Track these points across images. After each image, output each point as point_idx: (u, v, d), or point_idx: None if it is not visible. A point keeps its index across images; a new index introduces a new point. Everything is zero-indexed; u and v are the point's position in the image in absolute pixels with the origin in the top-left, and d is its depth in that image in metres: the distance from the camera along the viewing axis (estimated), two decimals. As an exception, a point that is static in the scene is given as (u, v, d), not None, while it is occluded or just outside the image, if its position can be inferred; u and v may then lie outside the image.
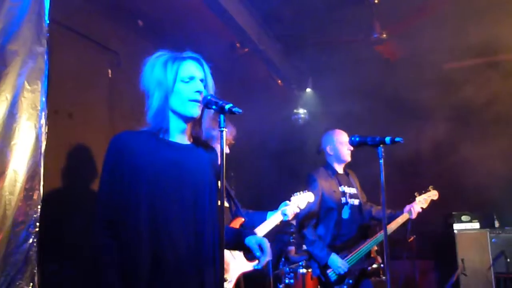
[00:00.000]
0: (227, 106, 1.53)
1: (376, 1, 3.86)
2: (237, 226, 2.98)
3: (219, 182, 1.81)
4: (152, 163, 1.64)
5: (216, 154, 1.91)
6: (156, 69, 1.74)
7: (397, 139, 2.06)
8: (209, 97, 1.63)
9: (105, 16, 3.52)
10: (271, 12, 4.32)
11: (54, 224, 2.75)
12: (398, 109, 5.13)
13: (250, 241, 1.77)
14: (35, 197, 1.71)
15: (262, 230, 2.99)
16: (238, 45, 4.22)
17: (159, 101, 1.70)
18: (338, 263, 3.23)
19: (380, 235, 3.37)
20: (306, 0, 4.15)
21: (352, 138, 2.26)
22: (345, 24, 4.26)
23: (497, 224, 5.28)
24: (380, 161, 2.04)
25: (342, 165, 3.60)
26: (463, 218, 5.33)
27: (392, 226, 3.43)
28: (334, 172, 3.56)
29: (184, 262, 1.60)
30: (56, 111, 2.92)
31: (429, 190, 3.68)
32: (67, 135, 3.02)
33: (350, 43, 4.52)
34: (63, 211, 2.89)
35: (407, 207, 3.47)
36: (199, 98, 1.69)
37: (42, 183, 1.78)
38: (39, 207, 1.72)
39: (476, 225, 5.28)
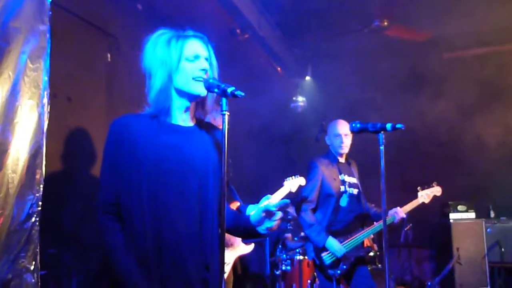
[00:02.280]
0: (229, 90, 1.51)
1: (378, -11, 3.81)
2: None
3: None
4: (153, 148, 1.61)
5: (220, 133, 1.88)
6: (158, 47, 1.69)
7: (398, 125, 2.06)
8: (211, 80, 1.61)
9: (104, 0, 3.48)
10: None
11: (52, 207, 2.75)
12: (398, 96, 5.12)
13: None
14: (37, 176, 1.71)
15: None
16: (238, 31, 4.19)
17: (163, 79, 1.66)
18: (335, 246, 3.27)
19: (377, 225, 3.40)
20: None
21: (353, 124, 2.25)
22: (346, 11, 4.22)
23: (492, 214, 5.33)
24: (381, 147, 2.04)
25: (342, 155, 3.60)
26: (459, 207, 5.37)
27: (376, 226, 3.43)
28: (336, 160, 3.57)
29: (187, 247, 1.59)
30: (55, 94, 2.90)
31: (433, 186, 3.66)
32: (66, 119, 3.01)
33: (351, 31, 4.48)
34: (61, 194, 2.89)
35: (392, 211, 3.45)
36: (205, 76, 1.66)
37: (44, 162, 1.77)
38: (41, 186, 1.71)
39: (472, 215, 5.33)
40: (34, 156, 1.70)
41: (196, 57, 1.70)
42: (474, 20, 4.46)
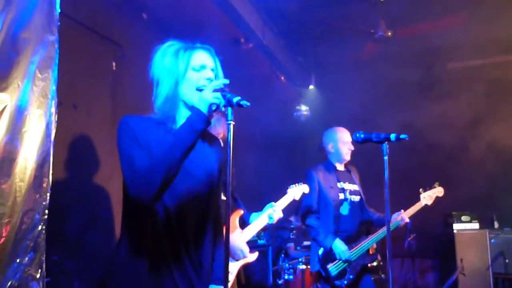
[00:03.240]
0: (235, 99, 1.52)
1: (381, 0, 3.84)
2: (237, 219, 2.98)
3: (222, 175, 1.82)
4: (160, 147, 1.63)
5: (221, 145, 1.91)
6: (167, 57, 1.73)
7: (402, 136, 2.06)
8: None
9: (109, 8, 3.51)
10: (275, 8, 4.31)
11: (56, 214, 2.75)
12: (402, 106, 5.13)
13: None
14: (44, 184, 1.70)
15: (246, 235, 2.93)
16: (242, 40, 4.21)
17: (169, 87, 1.69)
18: (342, 247, 3.26)
19: (381, 232, 3.38)
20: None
21: (357, 135, 2.25)
22: (350, 21, 4.24)
23: (496, 225, 5.29)
24: (385, 158, 2.04)
25: (343, 163, 3.60)
26: (463, 218, 5.34)
27: (380, 232, 3.41)
28: (333, 168, 3.57)
29: (184, 256, 1.62)
30: (61, 102, 2.90)
31: (435, 187, 3.62)
32: (71, 126, 3.02)
33: (355, 40, 4.50)
34: (64, 202, 2.89)
35: (395, 215, 3.43)
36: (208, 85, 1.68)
37: (51, 171, 1.77)
38: (48, 194, 1.71)
39: (475, 225, 5.29)
40: (41, 165, 1.70)
41: (202, 67, 1.73)
42: (476, 31, 4.49)
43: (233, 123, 1.52)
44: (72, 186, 2.98)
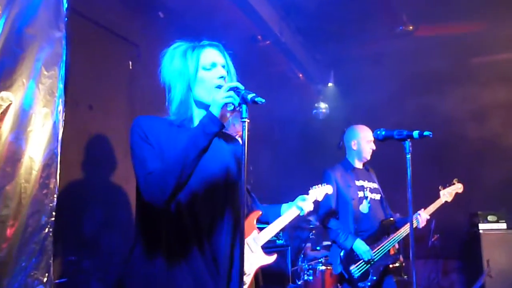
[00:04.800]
0: (249, 96, 1.46)
1: (402, -7, 3.72)
2: (254, 220, 2.92)
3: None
4: (172, 150, 1.59)
5: (239, 145, 1.86)
6: (175, 60, 1.69)
7: (425, 133, 1.96)
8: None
9: (125, 7, 3.50)
10: (292, 4, 4.23)
11: (72, 214, 2.76)
12: (422, 103, 4.98)
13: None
14: (51, 186, 1.67)
15: (277, 225, 2.87)
16: (259, 37, 4.15)
17: (182, 91, 1.65)
18: (363, 248, 3.18)
19: (403, 231, 3.31)
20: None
21: (378, 132, 2.15)
22: (369, 16, 4.13)
23: (525, 226, 5.10)
24: (408, 156, 1.95)
25: (362, 161, 3.55)
26: (490, 218, 5.15)
27: (402, 232, 3.32)
28: (351, 167, 3.52)
29: (199, 261, 1.58)
30: (77, 102, 2.92)
31: (454, 184, 3.57)
32: (87, 127, 3.02)
33: (375, 35, 4.38)
34: (81, 201, 2.90)
35: (415, 215, 3.34)
36: (223, 84, 1.64)
37: (59, 172, 1.74)
38: (55, 196, 1.68)
39: (503, 225, 5.10)
40: (48, 165, 1.66)
41: (213, 65, 1.69)
42: (503, 25, 4.32)
43: (248, 120, 1.47)
44: (90, 186, 2.98)
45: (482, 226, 5.09)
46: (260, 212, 2.98)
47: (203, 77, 1.67)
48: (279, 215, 2.92)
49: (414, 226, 3.32)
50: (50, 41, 1.71)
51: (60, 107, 1.78)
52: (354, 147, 3.52)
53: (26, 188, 1.52)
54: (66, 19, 1.80)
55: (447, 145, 5.27)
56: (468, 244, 5.30)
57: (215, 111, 1.52)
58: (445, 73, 5.07)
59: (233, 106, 1.51)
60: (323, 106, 5.94)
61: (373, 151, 3.51)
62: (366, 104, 5.33)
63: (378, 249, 3.23)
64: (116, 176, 3.17)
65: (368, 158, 3.51)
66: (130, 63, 3.48)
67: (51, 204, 1.65)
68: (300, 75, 5.48)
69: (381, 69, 5.09)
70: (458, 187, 3.55)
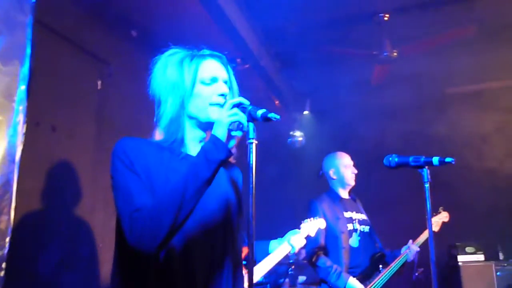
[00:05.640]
0: (259, 112, 1.22)
1: (386, 19, 3.66)
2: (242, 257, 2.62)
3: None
4: (166, 180, 1.31)
5: (239, 172, 1.60)
6: (169, 69, 1.43)
7: (447, 159, 1.78)
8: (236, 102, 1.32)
9: (96, 23, 3.22)
10: (273, 28, 4.09)
11: (27, 251, 2.38)
12: (402, 131, 4.91)
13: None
14: (2, 226, 1.27)
15: (266, 265, 2.56)
16: (239, 60, 3.97)
17: (174, 107, 1.39)
18: (358, 286, 2.94)
19: (394, 265, 3.14)
20: (311, 16, 3.93)
21: (390, 158, 1.94)
22: (351, 43, 4.05)
23: (501, 256, 5.04)
24: (426, 185, 1.75)
25: (347, 190, 3.39)
26: (467, 249, 5.07)
27: (393, 266, 3.15)
28: (338, 197, 3.34)
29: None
30: (38, 122, 2.57)
31: (440, 212, 3.48)
32: (49, 151, 2.66)
33: (355, 63, 4.30)
34: (39, 236, 2.52)
35: (404, 249, 3.22)
36: (223, 102, 1.38)
37: (13, 205, 1.32)
38: (7, 240, 1.26)
39: (481, 257, 5.01)
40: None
41: (214, 79, 1.44)
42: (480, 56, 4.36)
43: (256, 142, 1.22)
44: (48, 220, 2.59)
45: (460, 258, 4.98)
46: (247, 250, 2.69)
47: (200, 92, 1.41)
48: (267, 253, 2.63)
49: (404, 261, 3.20)
50: (10, 26, 1.30)
51: (20, 117, 1.37)
52: (334, 176, 3.36)
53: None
54: (34, 0, 1.43)
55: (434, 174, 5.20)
56: (449, 276, 5.18)
57: (220, 133, 1.26)
58: (424, 100, 5.07)
59: (240, 126, 1.26)
60: (298, 134, 5.78)
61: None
62: (344, 132, 5.23)
63: (372, 286, 3.00)
64: (80, 208, 2.80)
65: (352, 183, 3.35)
66: (100, 82, 3.18)
67: (1, 252, 1.24)
68: (276, 102, 5.31)
69: (360, 97, 5.02)
70: (444, 216, 3.46)
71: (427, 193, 1.72)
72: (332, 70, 4.77)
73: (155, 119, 1.45)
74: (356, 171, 3.35)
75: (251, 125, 1.23)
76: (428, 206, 1.73)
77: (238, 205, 1.48)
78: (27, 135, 2.49)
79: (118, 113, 3.19)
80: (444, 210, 3.52)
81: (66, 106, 2.83)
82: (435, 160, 1.79)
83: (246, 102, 1.29)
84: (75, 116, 2.92)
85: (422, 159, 1.79)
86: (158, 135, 1.42)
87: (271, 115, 1.21)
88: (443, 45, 3.76)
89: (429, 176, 1.78)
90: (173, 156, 1.37)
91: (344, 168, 3.32)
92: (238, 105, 1.29)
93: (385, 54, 3.62)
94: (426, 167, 1.79)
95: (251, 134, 1.22)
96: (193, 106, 1.41)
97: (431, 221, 1.75)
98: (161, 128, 1.40)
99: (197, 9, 3.38)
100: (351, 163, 3.36)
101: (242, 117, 1.25)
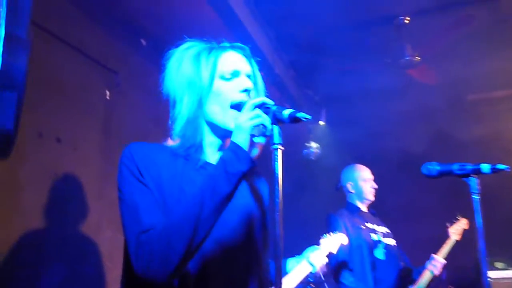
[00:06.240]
0: (286, 113, 1.04)
1: (406, 21, 3.48)
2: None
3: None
4: (179, 190, 1.12)
5: (265, 183, 1.41)
6: (185, 64, 1.26)
7: (499, 166, 1.55)
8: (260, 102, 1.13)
9: (104, 31, 3.09)
10: (288, 35, 3.94)
11: (31, 271, 2.21)
12: (425, 140, 4.68)
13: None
14: None
15: (284, 286, 2.36)
16: (252, 68, 3.80)
17: (191, 107, 1.21)
18: None
19: (424, 280, 2.97)
20: (325, 22, 3.77)
21: (430, 167, 1.71)
22: (369, 48, 3.87)
23: (534, 272, 4.75)
24: (475, 197, 1.54)
25: (365, 204, 3.25)
26: (497, 264, 4.81)
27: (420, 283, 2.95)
28: (357, 209, 3.21)
29: None
30: (41, 133, 2.42)
31: (458, 220, 3.36)
32: (53, 163, 2.50)
33: (372, 70, 4.11)
34: (41, 255, 2.35)
35: (428, 264, 3.07)
36: (246, 100, 1.19)
37: None
38: None
39: (511, 273, 4.74)
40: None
41: (235, 73, 1.25)
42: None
43: (282, 148, 1.03)
44: (51, 238, 2.42)
45: (491, 274, 4.71)
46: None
47: (220, 89, 1.22)
48: (285, 273, 2.41)
49: (430, 278, 3.01)
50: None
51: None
52: (352, 190, 3.24)
53: None
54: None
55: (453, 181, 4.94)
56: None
57: (242, 140, 1.08)
58: (443, 109, 4.84)
59: (263, 130, 1.08)
60: (314, 145, 5.57)
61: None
62: (361, 143, 5.03)
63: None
64: (86, 225, 2.62)
65: (371, 199, 3.21)
66: (107, 92, 3.04)
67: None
68: (291, 112, 5.12)
69: (377, 106, 4.82)
70: (463, 223, 3.33)
71: (477, 206, 1.50)
72: (349, 78, 4.58)
73: (169, 122, 1.27)
74: (376, 186, 3.22)
75: (276, 128, 1.04)
76: (479, 222, 1.51)
77: (262, 221, 1.28)
78: (30, 147, 2.36)
79: (127, 124, 3.04)
80: (462, 217, 3.39)
81: (71, 116, 2.68)
82: (486, 167, 1.56)
83: (269, 102, 1.11)
84: (81, 127, 2.77)
85: (469, 166, 1.56)
86: (173, 140, 1.24)
87: (301, 114, 1.02)
88: (468, 48, 3.56)
89: (478, 186, 1.56)
90: (190, 164, 1.19)
91: (363, 182, 3.20)
92: (261, 106, 1.11)
93: (406, 58, 3.42)
94: (475, 175, 1.58)
95: (276, 138, 1.03)
96: (211, 106, 1.23)
97: (483, 241, 1.52)
98: (176, 131, 1.23)
99: (210, 16, 3.26)
100: (371, 177, 3.24)
101: (266, 120, 1.07)
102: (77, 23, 2.82)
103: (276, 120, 1.05)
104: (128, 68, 3.24)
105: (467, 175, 1.56)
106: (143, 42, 3.56)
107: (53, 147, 2.50)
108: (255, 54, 3.80)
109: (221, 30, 3.39)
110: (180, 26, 3.37)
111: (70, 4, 2.76)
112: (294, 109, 1.05)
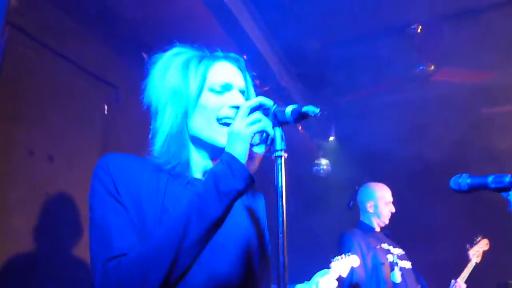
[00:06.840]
0: (288, 110, 0.87)
1: (419, 31, 3.33)
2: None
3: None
4: (162, 215, 0.96)
5: (260, 197, 1.23)
6: (172, 71, 1.12)
7: None
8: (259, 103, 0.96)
9: (103, 44, 2.99)
10: (295, 48, 3.81)
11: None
12: (439, 158, 4.46)
13: None
14: None
15: None
16: (257, 82, 3.67)
17: (174, 119, 1.07)
18: None
19: None
20: (334, 33, 3.64)
21: (459, 180, 1.50)
22: (381, 59, 3.71)
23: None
24: (515, 213, 1.33)
25: (380, 225, 3.11)
26: (517, 286, 4.51)
27: None
28: (371, 229, 3.06)
29: None
30: (32, 151, 2.28)
31: (479, 241, 3.30)
32: (45, 183, 2.35)
33: (383, 82, 3.95)
34: (33, 283, 2.18)
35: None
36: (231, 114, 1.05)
37: None
38: None
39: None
40: None
41: (226, 87, 1.11)
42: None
43: (285, 155, 0.86)
44: (43, 261, 2.26)
45: (514, 298, 4.42)
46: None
47: (207, 102, 1.08)
48: None
49: None
50: None
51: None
52: (371, 210, 3.06)
53: None
54: None
55: (474, 199, 4.70)
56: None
57: (239, 151, 0.91)
58: (458, 122, 4.63)
59: (264, 138, 0.90)
60: (324, 162, 5.38)
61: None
62: (373, 160, 4.84)
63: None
64: (80, 249, 2.45)
65: (387, 222, 3.07)
66: (106, 107, 2.91)
67: None
68: (299, 127, 4.96)
69: (389, 120, 4.63)
70: (484, 244, 3.27)
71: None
72: (359, 92, 4.43)
73: (150, 135, 1.11)
74: (394, 211, 3.07)
75: (278, 131, 0.87)
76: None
77: (261, 248, 1.09)
78: (20, 165, 2.21)
79: (126, 141, 2.90)
80: (483, 238, 3.34)
81: (66, 133, 2.54)
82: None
83: (268, 102, 0.94)
84: (76, 144, 2.63)
85: (508, 178, 1.34)
86: (154, 157, 1.08)
87: (307, 108, 0.85)
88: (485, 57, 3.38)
89: (517, 202, 1.34)
90: (175, 180, 1.03)
91: (384, 205, 3.05)
92: (259, 108, 0.94)
93: (420, 68, 3.26)
94: (513, 190, 1.36)
95: (279, 144, 0.86)
96: (195, 121, 1.08)
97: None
98: (157, 147, 1.07)
99: (215, 29, 3.16)
100: (391, 199, 3.08)
101: (268, 124, 0.89)
102: (76, 37, 2.72)
103: (277, 121, 0.88)
104: (128, 82, 3.12)
105: (505, 189, 1.34)
106: (145, 55, 3.45)
107: (44, 165, 2.35)
108: (260, 65, 3.66)
109: (226, 43, 3.28)
110: (183, 40, 3.28)
111: (68, 17, 2.67)
112: (298, 104, 0.88)
